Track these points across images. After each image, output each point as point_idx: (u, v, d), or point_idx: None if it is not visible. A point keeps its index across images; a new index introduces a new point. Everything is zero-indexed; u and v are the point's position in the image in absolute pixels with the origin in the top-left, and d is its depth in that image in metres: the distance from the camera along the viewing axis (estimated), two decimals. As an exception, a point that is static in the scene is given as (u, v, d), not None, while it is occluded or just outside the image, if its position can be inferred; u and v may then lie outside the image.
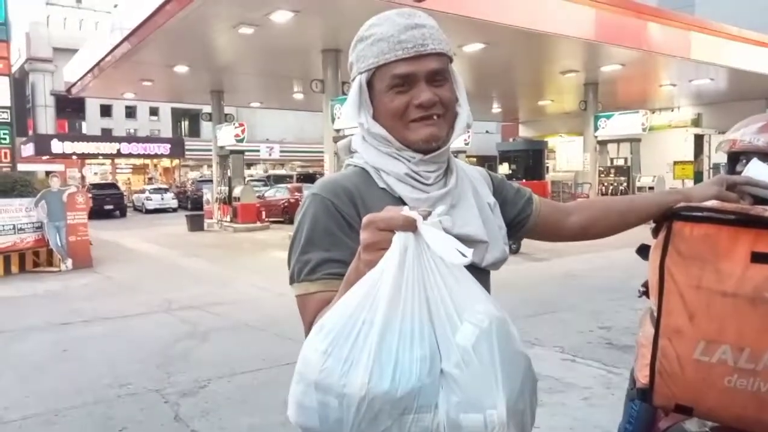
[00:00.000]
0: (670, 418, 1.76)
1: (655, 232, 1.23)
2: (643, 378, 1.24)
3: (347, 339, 0.78)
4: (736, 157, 1.69)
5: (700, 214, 1.16)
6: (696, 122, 21.15)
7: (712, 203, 1.18)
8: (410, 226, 0.77)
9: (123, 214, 25.04)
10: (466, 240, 1.04)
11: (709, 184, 1.26)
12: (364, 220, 0.81)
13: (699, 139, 20.02)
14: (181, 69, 14.37)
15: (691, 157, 19.39)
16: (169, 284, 8.61)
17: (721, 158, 1.82)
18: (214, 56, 13.42)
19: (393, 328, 0.77)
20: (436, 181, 1.08)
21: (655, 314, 1.22)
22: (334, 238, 1.00)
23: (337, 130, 12.66)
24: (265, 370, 4.63)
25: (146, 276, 9.54)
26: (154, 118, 48.73)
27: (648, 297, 1.31)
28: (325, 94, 12.91)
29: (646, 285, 1.57)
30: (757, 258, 1.11)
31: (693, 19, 14.84)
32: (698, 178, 17.30)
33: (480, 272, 1.10)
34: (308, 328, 0.93)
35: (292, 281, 1.03)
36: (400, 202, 1.05)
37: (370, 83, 1.06)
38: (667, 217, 1.20)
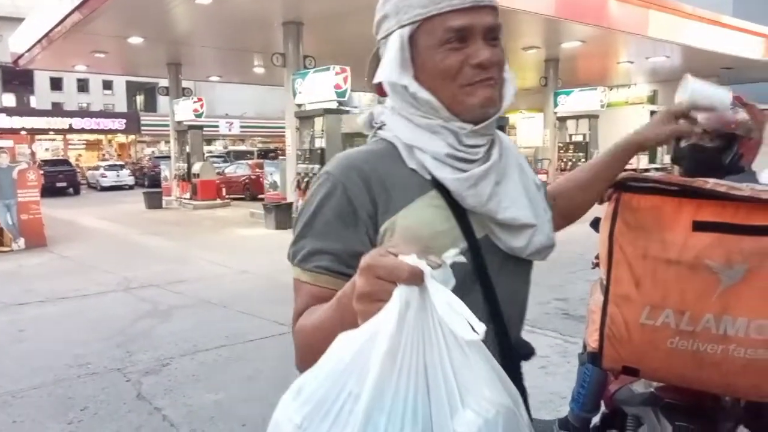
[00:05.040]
0: (619, 381, 1.86)
1: (607, 199, 1.29)
2: (593, 342, 1.31)
3: (327, 414, 0.67)
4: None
5: (646, 185, 1.22)
6: (651, 99, 21.65)
7: (658, 175, 1.24)
8: (416, 279, 0.64)
9: (77, 192, 24.23)
10: (511, 225, 0.92)
11: (659, 123, 1.17)
12: (363, 263, 0.68)
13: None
14: (136, 40, 13.86)
15: (646, 133, 19.88)
16: (128, 263, 8.44)
17: None
18: (171, 28, 12.99)
19: (382, 404, 0.65)
20: (482, 156, 0.93)
21: (605, 283, 1.28)
22: (334, 228, 0.90)
23: (299, 105, 12.50)
24: (229, 346, 4.62)
25: (103, 255, 9.32)
26: (108, 91, 47.09)
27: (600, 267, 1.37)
28: (287, 68, 12.67)
29: (598, 257, 1.63)
30: (698, 227, 1.17)
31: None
32: (652, 153, 17.78)
33: (521, 264, 0.98)
34: (295, 318, 0.90)
35: (289, 260, 0.95)
36: (431, 185, 0.91)
37: (410, 39, 0.90)
38: (615, 189, 1.26)
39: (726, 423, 1.59)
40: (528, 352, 0.99)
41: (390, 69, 0.91)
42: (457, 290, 0.68)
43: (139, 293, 6.59)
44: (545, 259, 0.99)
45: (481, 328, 0.64)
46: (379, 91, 0.97)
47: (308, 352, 0.83)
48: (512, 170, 0.97)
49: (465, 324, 0.64)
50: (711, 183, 1.19)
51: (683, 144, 1.75)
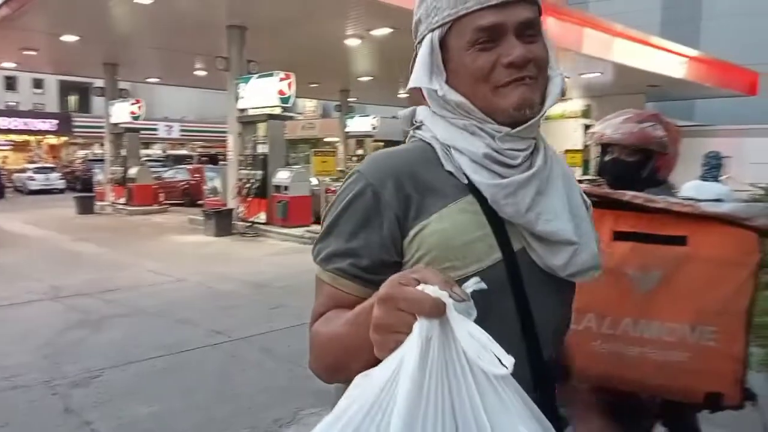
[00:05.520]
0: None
1: None
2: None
3: None
4: (605, 149, 1.89)
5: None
6: (586, 113, 22.61)
7: (582, 187, 1.32)
8: (439, 312, 0.60)
9: (1, 195, 22.94)
10: (549, 239, 0.86)
11: None
12: (382, 292, 0.64)
13: (588, 129, 21.43)
14: (70, 38, 13.30)
15: (580, 146, 20.76)
16: (58, 270, 8.06)
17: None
18: (108, 27, 12.53)
19: None
20: (523, 161, 0.87)
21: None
22: (359, 231, 0.86)
23: (242, 110, 12.32)
24: (165, 357, 4.49)
25: (31, 262, 8.85)
26: (39, 90, 44.89)
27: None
28: (230, 72, 12.47)
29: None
30: (618, 236, 1.26)
31: (586, 15, 15.80)
32: (585, 166, 18.56)
33: (560, 283, 0.90)
34: (314, 317, 0.88)
35: (312, 256, 0.92)
36: (468, 190, 0.86)
37: (442, 42, 0.87)
38: None
39: (645, 421, 1.70)
40: (562, 374, 0.96)
41: (419, 74, 0.88)
42: (489, 302, 0.62)
43: (69, 302, 6.30)
44: (589, 280, 0.91)
45: (510, 360, 0.59)
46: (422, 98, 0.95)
47: (321, 355, 0.84)
48: (557, 181, 0.90)
49: (492, 358, 0.59)
50: (629, 195, 1.27)
51: (606, 158, 1.86)
